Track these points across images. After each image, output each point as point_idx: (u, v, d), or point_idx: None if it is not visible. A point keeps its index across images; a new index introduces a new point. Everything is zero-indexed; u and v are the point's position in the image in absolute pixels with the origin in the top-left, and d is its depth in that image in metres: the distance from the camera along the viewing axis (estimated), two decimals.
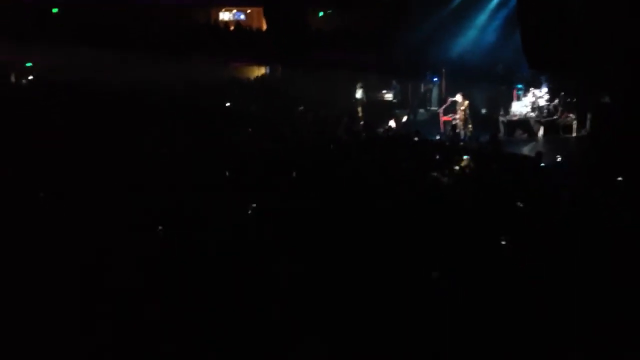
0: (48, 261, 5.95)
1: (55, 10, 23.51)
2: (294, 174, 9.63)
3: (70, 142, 12.41)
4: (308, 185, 9.19)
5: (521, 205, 8.04)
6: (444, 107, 18.63)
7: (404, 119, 19.63)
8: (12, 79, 21.69)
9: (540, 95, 17.86)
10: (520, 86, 18.39)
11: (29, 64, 23.44)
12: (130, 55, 21.42)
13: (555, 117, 17.48)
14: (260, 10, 25.85)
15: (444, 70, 20.86)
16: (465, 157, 11.07)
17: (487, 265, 5.89)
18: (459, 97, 17.62)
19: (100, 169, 9.75)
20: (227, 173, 9.76)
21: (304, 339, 4.77)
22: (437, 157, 11.96)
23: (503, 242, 6.41)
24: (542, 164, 11.58)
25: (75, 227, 6.86)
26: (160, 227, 7.00)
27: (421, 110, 20.96)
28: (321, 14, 25.82)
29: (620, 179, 9.47)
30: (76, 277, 5.72)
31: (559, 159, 12.10)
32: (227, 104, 19.99)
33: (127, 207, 7.72)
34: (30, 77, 22.07)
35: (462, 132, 16.86)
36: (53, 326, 4.95)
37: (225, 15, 27.81)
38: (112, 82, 20.35)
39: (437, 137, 16.20)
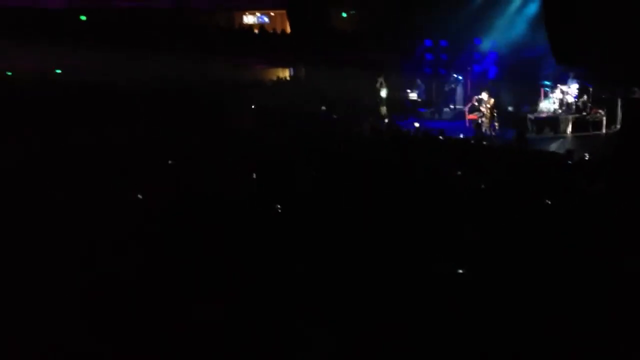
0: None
1: (83, 17, 23.94)
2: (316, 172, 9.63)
3: (102, 140, 12.83)
4: (332, 183, 9.19)
5: (549, 202, 7.88)
6: (469, 105, 18.46)
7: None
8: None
9: (568, 92, 17.53)
10: (548, 83, 18.07)
11: (58, 71, 23.95)
12: (155, 58, 21.72)
13: (584, 113, 17.13)
14: (283, 13, 25.95)
15: (469, 68, 20.70)
16: None
17: (514, 262, 5.78)
18: (484, 95, 17.44)
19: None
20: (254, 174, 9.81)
21: (313, 332, 4.74)
22: (463, 155, 11.80)
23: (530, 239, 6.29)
24: (571, 162, 11.34)
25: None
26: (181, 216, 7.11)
27: (446, 109, 20.82)
28: (344, 15, 25.77)
29: None
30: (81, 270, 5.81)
31: (587, 157, 11.82)
32: (252, 106, 20.13)
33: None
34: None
35: (488, 130, 16.65)
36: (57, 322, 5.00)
37: (249, 19, 27.97)
38: (139, 84, 20.71)
39: (461, 136, 16.00)
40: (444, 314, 4.85)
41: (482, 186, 9.18)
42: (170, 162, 11.05)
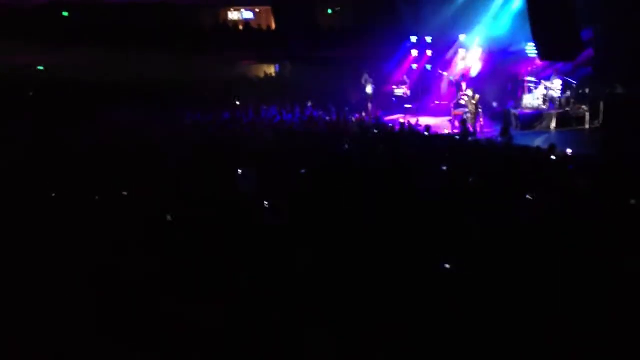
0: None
1: (65, 13, 23.69)
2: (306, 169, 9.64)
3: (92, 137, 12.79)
4: (322, 179, 9.21)
5: (530, 197, 7.94)
6: (455, 101, 18.56)
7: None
8: None
9: (552, 88, 17.67)
10: (531, 78, 18.21)
11: (41, 67, 23.70)
12: (138, 55, 21.57)
13: (567, 109, 17.29)
14: (268, 9, 25.86)
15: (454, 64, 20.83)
16: None
17: (494, 255, 5.84)
18: (469, 92, 17.55)
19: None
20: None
21: (312, 332, 4.75)
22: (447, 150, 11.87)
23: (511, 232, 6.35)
24: (554, 157, 11.44)
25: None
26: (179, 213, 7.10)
27: (432, 105, 20.92)
28: (330, 11, 25.76)
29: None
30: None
31: (569, 152, 11.93)
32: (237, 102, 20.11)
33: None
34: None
35: (473, 126, 16.75)
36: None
37: (234, 15, 27.85)
38: (120, 81, 20.59)
39: (446, 132, 16.10)
40: (439, 314, 4.88)
41: (469, 181, 9.26)
42: (160, 161, 11.02)
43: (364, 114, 19.84)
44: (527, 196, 7.86)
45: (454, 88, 19.47)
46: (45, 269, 5.81)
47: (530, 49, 18.52)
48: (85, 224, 7.04)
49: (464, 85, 18.86)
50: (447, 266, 5.57)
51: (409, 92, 21.74)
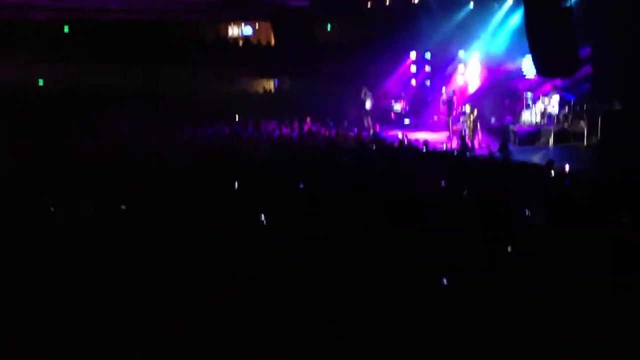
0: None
1: (66, 28, 23.81)
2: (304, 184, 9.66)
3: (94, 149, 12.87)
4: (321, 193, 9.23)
5: (529, 213, 7.96)
6: (452, 116, 18.63)
7: None
8: None
9: (550, 103, 17.74)
10: (529, 94, 18.29)
11: (41, 82, 23.78)
12: (138, 70, 21.71)
13: (565, 125, 17.35)
14: (268, 25, 26.04)
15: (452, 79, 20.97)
16: None
17: (492, 271, 5.84)
18: (467, 107, 17.62)
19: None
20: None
21: (313, 334, 4.76)
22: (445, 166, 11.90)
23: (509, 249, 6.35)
24: (552, 173, 11.46)
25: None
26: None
27: (430, 121, 20.99)
28: (329, 26, 25.92)
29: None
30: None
31: (567, 168, 11.96)
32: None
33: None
34: None
35: (471, 142, 16.79)
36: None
37: (233, 30, 28.02)
38: (119, 95, 20.71)
39: (444, 146, 16.14)
40: (436, 325, 4.89)
41: (466, 197, 9.28)
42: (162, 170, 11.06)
43: (363, 128, 19.89)
44: (527, 211, 7.88)
45: (445, 105, 19.57)
46: (42, 276, 5.82)
47: (526, 67, 18.73)
48: (84, 233, 7.06)
49: (455, 102, 19.03)
50: (445, 282, 5.58)
51: (407, 107, 21.84)
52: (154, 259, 6.30)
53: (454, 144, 17.13)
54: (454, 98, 19.41)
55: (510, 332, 4.81)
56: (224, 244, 6.70)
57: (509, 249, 6.38)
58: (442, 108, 19.84)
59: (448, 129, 18.90)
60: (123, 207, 8.59)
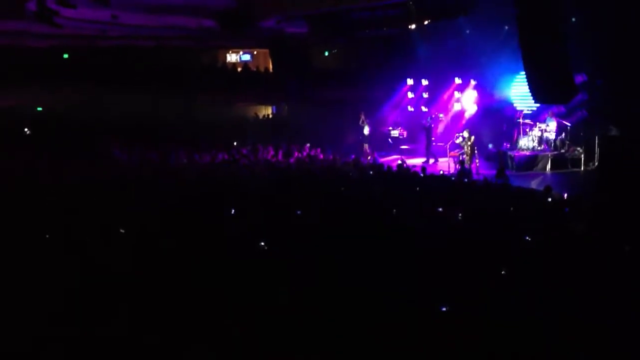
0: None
1: (65, 55, 24.00)
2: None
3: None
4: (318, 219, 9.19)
5: (529, 239, 7.92)
6: (450, 142, 18.70)
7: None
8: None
9: (547, 130, 17.83)
10: (527, 120, 18.38)
11: (39, 108, 23.86)
12: (136, 96, 21.81)
13: (562, 151, 17.40)
14: (266, 51, 26.29)
15: (449, 106, 21.12)
16: None
17: (493, 296, 5.80)
18: (465, 133, 17.70)
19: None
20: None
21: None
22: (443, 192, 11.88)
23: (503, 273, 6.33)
24: (550, 199, 11.45)
25: None
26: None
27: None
28: (327, 53, 26.16)
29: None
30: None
31: (565, 196, 11.95)
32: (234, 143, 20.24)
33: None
34: None
35: (469, 167, 16.82)
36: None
37: (232, 57, 28.27)
38: (117, 121, 20.80)
39: (441, 172, 16.15)
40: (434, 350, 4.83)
41: (460, 220, 9.26)
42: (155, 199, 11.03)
43: (361, 154, 19.93)
44: (527, 237, 7.83)
45: (424, 132, 19.91)
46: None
47: (515, 97, 18.96)
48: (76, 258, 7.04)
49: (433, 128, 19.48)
50: (445, 309, 5.52)
51: (405, 134, 21.95)
52: (148, 280, 6.27)
53: (452, 169, 17.17)
54: (432, 125, 19.71)
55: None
56: (215, 268, 6.68)
57: (503, 272, 6.34)
58: (422, 134, 20.23)
59: (426, 155, 19.36)
60: (122, 230, 8.57)
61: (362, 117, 20.96)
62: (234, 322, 5.26)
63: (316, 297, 5.74)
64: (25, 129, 21.85)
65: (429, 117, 20.13)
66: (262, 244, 7.70)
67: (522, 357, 4.82)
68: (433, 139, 19.89)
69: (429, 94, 21.94)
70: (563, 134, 17.59)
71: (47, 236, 8.25)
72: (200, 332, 5.19)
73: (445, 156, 18.56)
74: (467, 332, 5.02)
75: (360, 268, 6.51)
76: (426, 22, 19.36)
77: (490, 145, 19.25)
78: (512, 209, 10.25)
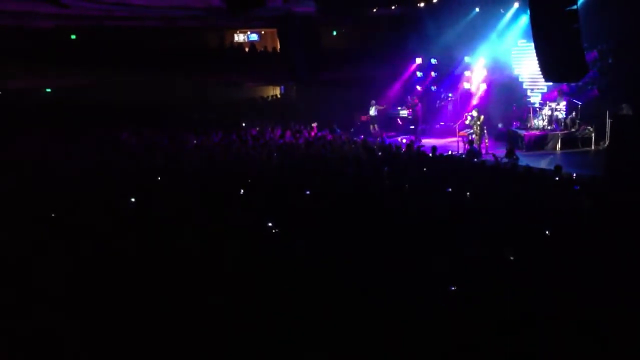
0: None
1: (73, 36, 23.96)
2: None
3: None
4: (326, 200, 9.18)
5: (538, 218, 7.88)
6: (459, 122, 18.57)
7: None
8: None
9: (557, 109, 17.66)
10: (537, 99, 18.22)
11: (48, 90, 23.92)
12: (144, 77, 21.79)
13: (573, 130, 17.25)
14: (274, 31, 26.10)
15: (459, 85, 20.96)
16: None
17: (493, 279, 5.79)
18: (474, 112, 17.56)
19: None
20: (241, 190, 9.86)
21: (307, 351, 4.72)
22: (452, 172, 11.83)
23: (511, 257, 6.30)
24: (559, 178, 11.37)
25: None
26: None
27: (437, 126, 20.96)
28: (334, 32, 25.97)
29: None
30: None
31: (574, 176, 11.85)
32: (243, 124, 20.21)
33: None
34: None
35: (478, 147, 16.73)
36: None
37: (239, 37, 28.12)
38: (125, 102, 20.81)
39: (450, 152, 16.07)
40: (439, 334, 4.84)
41: (472, 203, 9.21)
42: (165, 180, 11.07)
43: (369, 134, 19.86)
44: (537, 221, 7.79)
45: (410, 110, 19.86)
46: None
47: (524, 77, 18.75)
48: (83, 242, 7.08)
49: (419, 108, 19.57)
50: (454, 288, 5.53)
51: (414, 113, 21.82)
52: (156, 260, 6.29)
53: (461, 148, 17.08)
54: (419, 104, 19.57)
55: (511, 343, 4.74)
56: (225, 247, 6.71)
57: (511, 256, 6.32)
58: (409, 112, 20.23)
59: (415, 134, 19.50)
60: (132, 199, 8.71)
61: (373, 104, 20.87)
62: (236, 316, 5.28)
63: (321, 289, 5.73)
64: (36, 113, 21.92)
65: (414, 97, 20.15)
66: (270, 224, 7.72)
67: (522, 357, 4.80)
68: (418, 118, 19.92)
69: (437, 73, 21.77)
70: (573, 113, 17.41)
71: (53, 215, 8.32)
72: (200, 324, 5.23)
73: (455, 136, 18.44)
74: (468, 331, 5.02)
75: (365, 248, 6.52)
76: (435, 0, 19.14)
77: (500, 125, 19.12)
78: (521, 188, 10.19)
